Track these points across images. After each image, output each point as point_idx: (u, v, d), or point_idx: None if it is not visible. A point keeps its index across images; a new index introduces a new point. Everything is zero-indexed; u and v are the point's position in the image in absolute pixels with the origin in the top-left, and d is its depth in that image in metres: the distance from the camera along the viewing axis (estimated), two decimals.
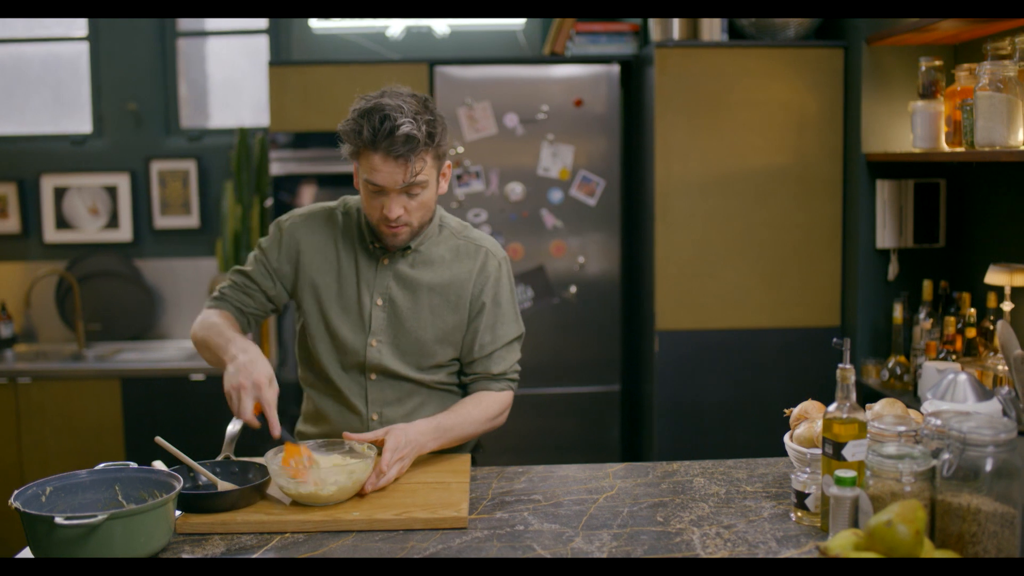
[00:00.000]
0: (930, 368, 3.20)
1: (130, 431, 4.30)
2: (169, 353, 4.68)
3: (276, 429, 2.09)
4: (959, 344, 3.32)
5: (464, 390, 2.41)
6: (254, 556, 1.78)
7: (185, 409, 4.31)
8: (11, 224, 4.89)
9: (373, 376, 2.32)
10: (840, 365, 1.82)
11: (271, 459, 2.03)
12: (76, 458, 4.25)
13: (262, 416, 2.09)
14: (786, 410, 2.18)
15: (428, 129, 2.13)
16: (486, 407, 2.32)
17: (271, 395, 2.09)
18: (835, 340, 1.90)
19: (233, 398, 2.06)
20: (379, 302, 2.30)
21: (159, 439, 2.01)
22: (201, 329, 2.29)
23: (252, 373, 2.08)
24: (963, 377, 1.94)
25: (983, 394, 1.91)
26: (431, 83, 4.23)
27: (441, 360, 2.34)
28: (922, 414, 1.93)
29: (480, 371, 2.35)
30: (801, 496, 1.88)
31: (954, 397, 1.92)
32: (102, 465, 1.94)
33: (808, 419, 2.07)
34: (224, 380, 2.10)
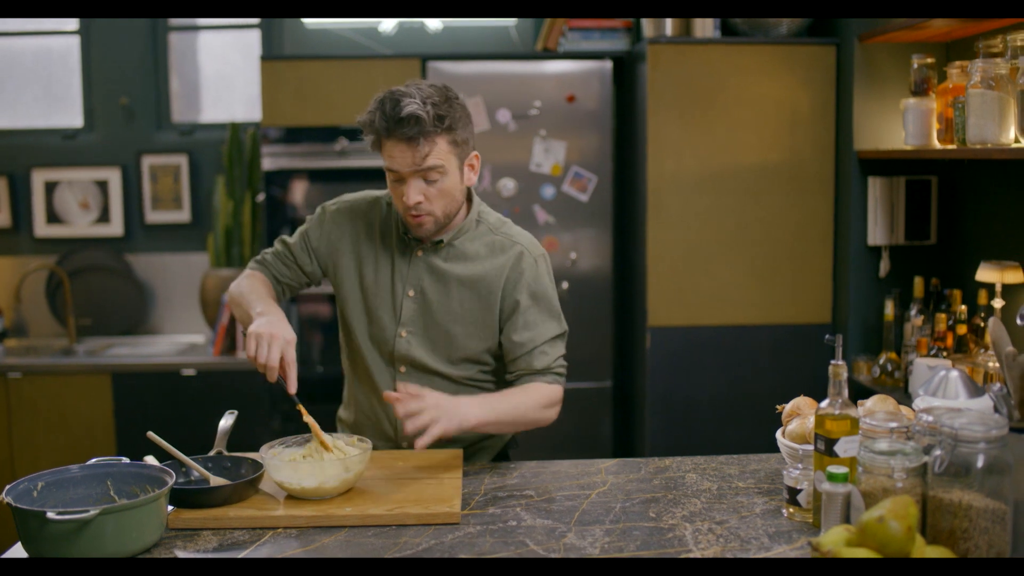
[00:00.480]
0: (921, 365, 3.21)
1: (121, 426, 4.29)
2: (160, 348, 4.67)
3: (294, 386, 2.09)
4: (950, 341, 3.33)
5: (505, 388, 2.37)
6: (243, 554, 1.77)
7: (176, 404, 4.30)
8: (1, 218, 4.87)
9: (403, 369, 2.32)
10: (832, 361, 1.82)
11: (265, 454, 2.02)
12: (67, 453, 4.24)
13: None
14: (778, 406, 2.18)
15: (437, 112, 2.13)
16: (535, 394, 2.26)
17: (294, 355, 2.09)
18: (827, 336, 1.91)
19: (262, 344, 2.04)
20: (411, 293, 2.30)
21: (151, 434, 2.01)
22: (237, 287, 2.34)
23: (282, 330, 2.09)
24: (955, 374, 1.95)
25: (974, 391, 1.91)
26: (423, 78, 4.22)
27: (471, 354, 2.32)
28: (914, 410, 1.94)
29: (523, 367, 2.30)
30: (793, 492, 1.89)
31: (946, 393, 1.92)
32: (94, 460, 1.93)
33: (800, 415, 2.08)
34: (249, 328, 2.10)
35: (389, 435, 2.36)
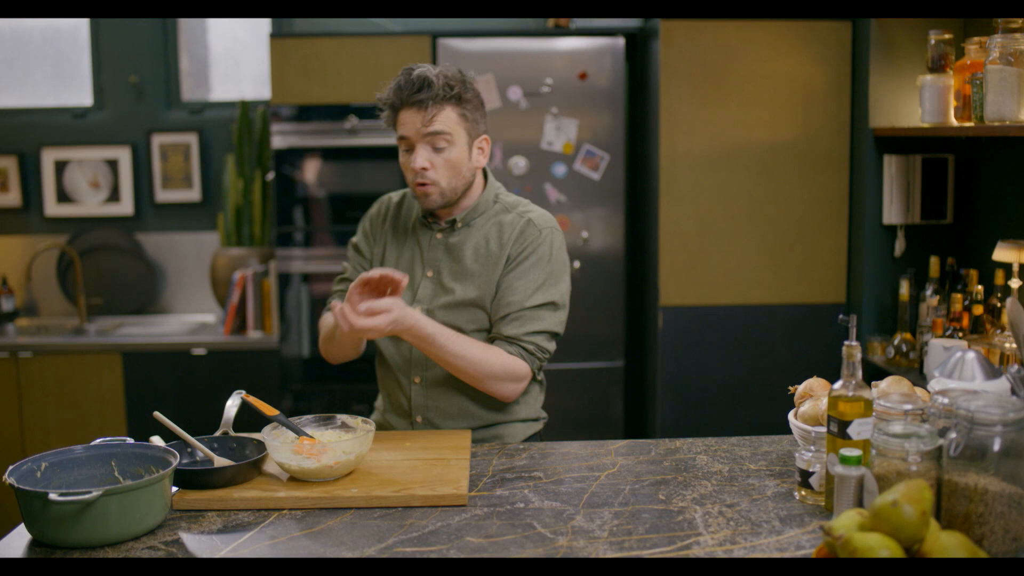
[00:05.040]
0: (936, 346, 3.17)
1: (131, 405, 4.29)
2: (171, 327, 4.67)
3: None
4: (966, 321, 3.29)
5: None
6: (247, 536, 1.76)
7: (186, 383, 4.30)
8: (12, 197, 4.86)
9: None
10: (846, 342, 1.79)
11: (267, 435, 2.01)
12: (77, 432, 4.24)
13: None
14: (791, 387, 2.15)
15: (447, 82, 2.22)
16: (494, 354, 2.23)
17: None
18: (841, 317, 1.88)
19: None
20: (429, 273, 2.35)
21: (157, 414, 1.99)
22: (322, 330, 2.44)
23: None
24: (971, 355, 1.91)
25: (991, 372, 1.88)
26: (434, 56, 4.19)
27: (479, 324, 2.32)
28: (929, 392, 1.91)
29: (495, 332, 2.29)
30: (805, 475, 1.86)
31: (962, 375, 1.89)
32: (98, 440, 1.91)
33: (813, 397, 2.04)
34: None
35: (405, 410, 2.38)
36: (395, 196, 2.49)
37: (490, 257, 2.32)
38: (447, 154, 2.25)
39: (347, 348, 2.39)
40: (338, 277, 2.50)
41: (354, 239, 2.49)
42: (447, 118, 2.23)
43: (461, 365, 2.21)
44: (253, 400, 2.12)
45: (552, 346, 2.33)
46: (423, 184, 2.26)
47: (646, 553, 1.65)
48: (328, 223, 4.32)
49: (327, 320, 2.42)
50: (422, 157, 2.23)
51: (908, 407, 1.74)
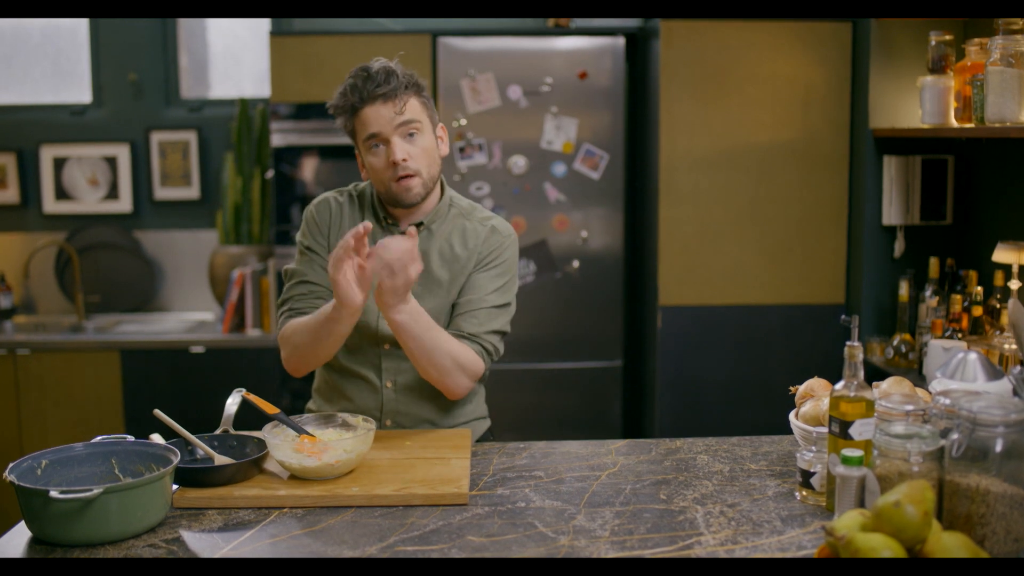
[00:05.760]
0: (936, 346, 3.17)
1: (129, 403, 4.29)
2: (169, 325, 4.66)
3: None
4: (965, 322, 3.30)
5: None
6: (248, 534, 1.76)
7: (185, 381, 4.29)
8: (10, 194, 4.85)
9: (387, 346, 2.31)
10: (848, 343, 1.79)
11: (268, 433, 2.00)
12: (75, 430, 4.23)
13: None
14: (792, 387, 2.15)
15: (404, 71, 2.22)
16: (459, 347, 2.21)
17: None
18: (843, 317, 1.88)
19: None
20: None
21: (157, 412, 1.99)
22: (298, 332, 2.24)
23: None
24: (973, 356, 1.91)
25: (993, 373, 1.88)
26: (434, 54, 4.19)
27: (431, 309, 2.29)
28: (930, 393, 1.91)
29: (453, 328, 2.27)
30: (807, 475, 1.86)
31: (964, 376, 1.89)
32: (99, 438, 1.91)
33: (814, 397, 2.05)
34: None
35: (375, 415, 2.33)
36: (339, 197, 2.38)
37: (457, 262, 2.31)
38: (421, 142, 2.23)
39: (339, 334, 2.19)
40: (295, 280, 2.32)
41: (305, 242, 2.33)
42: (414, 106, 2.22)
43: (439, 353, 2.17)
44: (254, 398, 2.12)
45: (502, 347, 2.34)
46: (405, 177, 2.21)
47: (648, 553, 1.65)
48: None
49: (303, 322, 2.24)
50: (400, 148, 2.20)
51: (910, 408, 1.74)
